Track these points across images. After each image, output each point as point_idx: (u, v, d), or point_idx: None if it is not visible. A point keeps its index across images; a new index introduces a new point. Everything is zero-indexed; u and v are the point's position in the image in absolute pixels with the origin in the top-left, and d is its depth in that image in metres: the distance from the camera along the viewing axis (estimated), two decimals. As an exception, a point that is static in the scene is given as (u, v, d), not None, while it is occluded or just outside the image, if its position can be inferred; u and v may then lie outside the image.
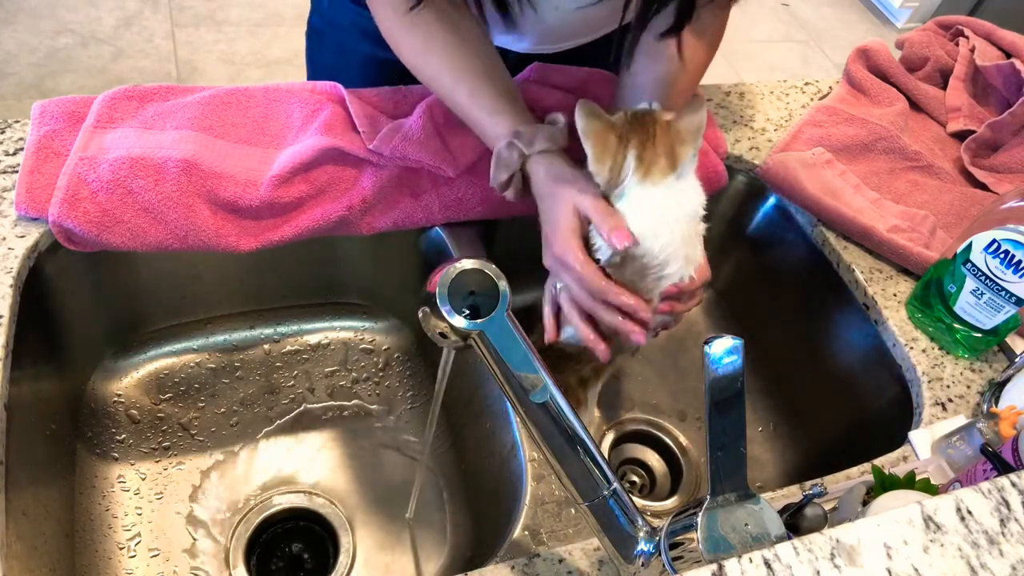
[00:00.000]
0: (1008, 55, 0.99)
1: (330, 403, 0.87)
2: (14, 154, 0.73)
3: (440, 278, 0.47)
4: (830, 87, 1.01)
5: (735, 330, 1.01)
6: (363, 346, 0.92)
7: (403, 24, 0.68)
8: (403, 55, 0.71)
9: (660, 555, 0.47)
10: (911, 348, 0.77)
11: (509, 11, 0.67)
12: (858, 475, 0.67)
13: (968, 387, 0.75)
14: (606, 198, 0.64)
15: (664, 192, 0.63)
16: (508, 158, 0.66)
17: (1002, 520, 0.43)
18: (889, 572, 0.39)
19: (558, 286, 0.67)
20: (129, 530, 0.75)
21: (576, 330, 0.66)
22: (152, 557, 0.74)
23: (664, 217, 0.63)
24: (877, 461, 0.68)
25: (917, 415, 0.73)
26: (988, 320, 0.74)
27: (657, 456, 0.91)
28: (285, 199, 0.72)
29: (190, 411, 0.83)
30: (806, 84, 1.02)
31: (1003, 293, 0.72)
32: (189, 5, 2.43)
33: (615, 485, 0.50)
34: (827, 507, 0.60)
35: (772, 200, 0.92)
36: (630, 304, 0.63)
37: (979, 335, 0.76)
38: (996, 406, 0.71)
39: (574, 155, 0.66)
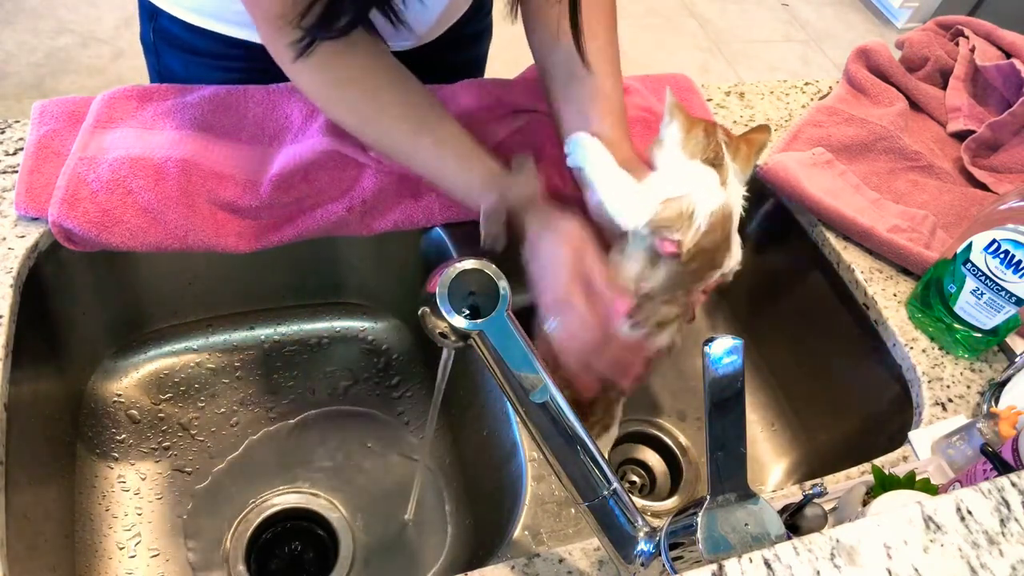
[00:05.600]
0: (1008, 55, 0.99)
1: (330, 403, 0.87)
2: (14, 154, 0.73)
3: (440, 278, 0.47)
4: (830, 87, 1.01)
5: (735, 330, 1.01)
6: (363, 346, 0.92)
7: (330, 83, 0.65)
8: (339, 116, 0.68)
9: (660, 555, 0.46)
10: (911, 348, 0.77)
11: (397, 12, 0.63)
12: (858, 475, 0.67)
13: (968, 387, 0.75)
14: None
15: (739, 182, 0.67)
16: (498, 211, 0.65)
17: (1002, 520, 0.43)
18: (889, 572, 0.39)
19: (551, 326, 0.63)
20: (129, 530, 0.75)
21: (570, 369, 0.65)
22: (152, 557, 0.74)
23: (738, 201, 0.67)
24: (877, 461, 0.68)
25: (917, 415, 0.73)
26: (988, 320, 0.74)
27: (657, 456, 0.91)
28: (285, 200, 0.73)
29: (190, 411, 0.83)
30: (806, 84, 1.02)
31: (1003, 293, 0.72)
32: (189, 5, 2.43)
33: (615, 485, 0.50)
34: (827, 507, 0.60)
35: (772, 200, 0.92)
36: (638, 343, 0.64)
37: (979, 335, 0.76)
38: (996, 406, 0.71)
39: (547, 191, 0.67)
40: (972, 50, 1.01)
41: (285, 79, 0.67)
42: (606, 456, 0.52)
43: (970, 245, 0.73)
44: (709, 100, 0.95)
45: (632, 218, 0.63)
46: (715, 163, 0.65)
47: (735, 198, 0.66)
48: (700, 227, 0.62)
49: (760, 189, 0.92)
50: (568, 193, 0.71)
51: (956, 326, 0.76)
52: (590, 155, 0.66)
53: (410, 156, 0.68)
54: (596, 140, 0.66)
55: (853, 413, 0.85)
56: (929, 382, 0.74)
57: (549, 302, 0.62)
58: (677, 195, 0.62)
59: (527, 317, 0.75)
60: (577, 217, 0.65)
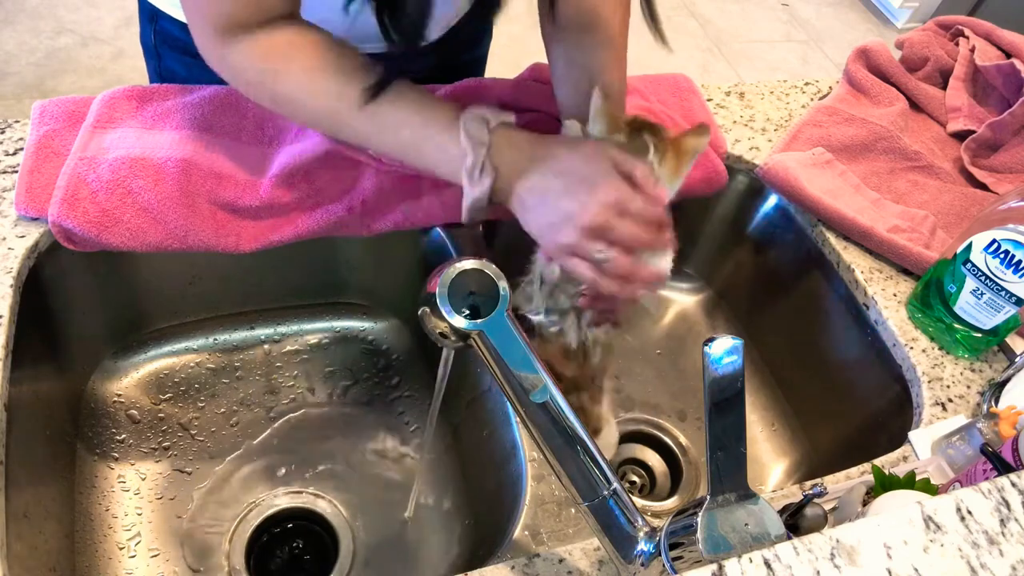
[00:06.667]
0: (1008, 55, 0.99)
1: (330, 403, 0.87)
2: (14, 154, 0.73)
3: (440, 278, 0.47)
4: (830, 87, 1.01)
5: (735, 330, 1.01)
6: (363, 346, 0.92)
7: (266, 55, 0.60)
8: (278, 91, 0.62)
9: (660, 555, 0.46)
10: (911, 348, 0.77)
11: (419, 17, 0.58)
12: (858, 475, 0.67)
13: (968, 387, 0.75)
14: None
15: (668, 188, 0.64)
16: (478, 132, 0.59)
17: (1002, 520, 0.43)
18: (889, 572, 0.39)
19: (600, 256, 0.58)
20: (129, 530, 0.75)
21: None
22: (152, 557, 0.74)
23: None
24: (877, 461, 0.68)
25: (917, 415, 0.73)
26: (988, 320, 0.74)
27: (657, 456, 0.91)
28: (285, 200, 0.72)
29: (190, 411, 0.83)
30: (806, 84, 1.02)
31: (1003, 293, 0.72)
32: (189, 5, 2.42)
33: (615, 485, 0.50)
34: (827, 507, 0.60)
35: (772, 200, 0.92)
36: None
37: (979, 335, 0.76)
38: (996, 406, 0.71)
39: None
40: (972, 50, 1.01)
41: None
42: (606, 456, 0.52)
43: (970, 245, 0.73)
44: (709, 100, 0.95)
45: None
46: None
47: None
48: None
49: (760, 189, 0.92)
50: None
51: (956, 326, 0.76)
52: None
53: (364, 121, 0.62)
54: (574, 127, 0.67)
55: (853, 413, 0.85)
56: (929, 382, 0.74)
57: (599, 219, 0.57)
58: None
59: (527, 317, 0.75)
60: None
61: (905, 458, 0.69)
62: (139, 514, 0.76)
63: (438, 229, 0.81)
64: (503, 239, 0.87)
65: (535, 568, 0.58)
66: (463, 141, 0.60)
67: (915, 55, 1.03)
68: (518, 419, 0.68)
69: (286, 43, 0.61)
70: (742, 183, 0.93)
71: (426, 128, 0.61)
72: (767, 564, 0.39)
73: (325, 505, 0.80)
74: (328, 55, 0.61)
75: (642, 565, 0.49)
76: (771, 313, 0.97)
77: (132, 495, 0.77)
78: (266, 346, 0.89)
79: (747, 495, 0.44)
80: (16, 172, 0.71)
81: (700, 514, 0.43)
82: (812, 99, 0.99)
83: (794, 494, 0.65)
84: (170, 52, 0.83)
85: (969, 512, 0.43)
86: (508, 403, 0.63)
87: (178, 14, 0.79)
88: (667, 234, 0.60)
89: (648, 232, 0.58)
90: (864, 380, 0.83)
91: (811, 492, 0.56)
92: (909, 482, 0.61)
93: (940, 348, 0.77)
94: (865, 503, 0.61)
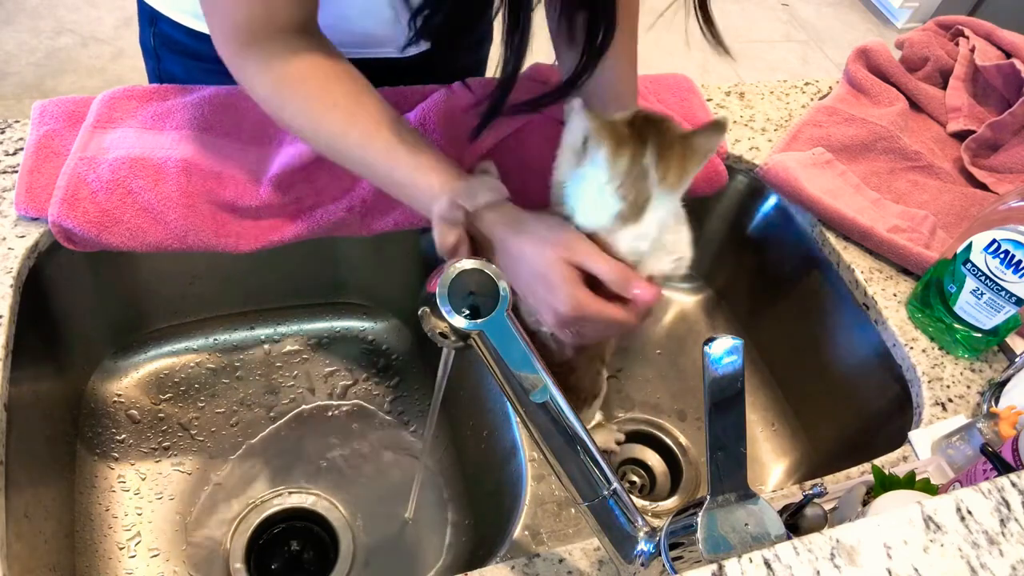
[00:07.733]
0: (1008, 55, 0.99)
1: (330, 403, 0.87)
2: (14, 154, 0.73)
3: (440, 278, 0.47)
4: (830, 87, 1.01)
5: (735, 330, 1.01)
6: (363, 346, 0.92)
7: (280, 81, 0.61)
8: (285, 118, 0.63)
9: (660, 555, 0.46)
10: (911, 348, 0.77)
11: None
12: (858, 475, 0.67)
13: (968, 387, 0.75)
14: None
15: (675, 202, 0.62)
16: (453, 217, 0.60)
17: (1002, 520, 0.43)
18: (889, 572, 0.39)
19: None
20: (129, 530, 0.75)
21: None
22: (152, 557, 0.74)
23: (679, 224, 0.64)
24: (877, 461, 0.68)
25: (917, 415, 0.73)
26: (988, 320, 0.74)
27: (657, 456, 0.91)
28: (285, 200, 0.72)
29: (190, 411, 0.83)
30: (806, 84, 1.02)
31: (1003, 293, 0.72)
32: (189, 5, 2.43)
33: (615, 485, 0.50)
34: (827, 507, 0.60)
35: (772, 200, 0.92)
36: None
37: (979, 335, 0.76)
38: (996, 406, 0.71)
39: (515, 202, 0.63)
40: (972, 50, 1.01)
41: None
42: (601, 448, 0.52)
43: (970, 245, 0.72)
44: (709, 100, 0.95)
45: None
46: (632, 211, 0.59)
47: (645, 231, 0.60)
48: None
49: (760, 189, 0.92)
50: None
51: (956, 326, 0.76)
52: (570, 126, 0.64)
53: (361, 162, 0.63)
54: (583, 115, 0.63)
55: (853, 413, 0.85)
56: (929, 382, 0.74)
57: (560, 321, 0.59)
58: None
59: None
60: (551, 216, 0.62)
61: (905, 458, 0.69)
62: (139, 514, 0.76)
63: (438, 229, 0.80)
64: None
65: (535, 568, 0.58)
66: (435, 229, 0.61)
67: (915, 55, 1.03)
68: (518, 419, 0.68)
69: (297, 76, 0.61)
70: (742, 183, 0.93)
71: (425, 187, 0.61)
72: (767, 564, 0.39)
73: (325, 505, 0.80)
74: (336, 91, 0.61)
75: (642, 565, 0.49)
76: (771, 313, 0.97)
77: (132, 495, 0.77)
78: (266, 346, 0.89)
79: (747, 495, 0.44)
80: (16, 172, 0.71)
81: (700, 514, 0.43)
82: (812, 99, 0.99)
83: (794, 494, 0.65)
84: (169, 54, 0.83)
85: (969, 512, 0.43)
86: (508, 403, 0.63)
87: (177, 16, 0.79)
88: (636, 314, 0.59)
89: (611, 328, 0.60)
90: (864, 380, 0.83)
91: (811, 492, 0.56)
92: (909, 482, 0.61)
93: (940, 348, 0.77)
94: (865, 503, 0.61)
